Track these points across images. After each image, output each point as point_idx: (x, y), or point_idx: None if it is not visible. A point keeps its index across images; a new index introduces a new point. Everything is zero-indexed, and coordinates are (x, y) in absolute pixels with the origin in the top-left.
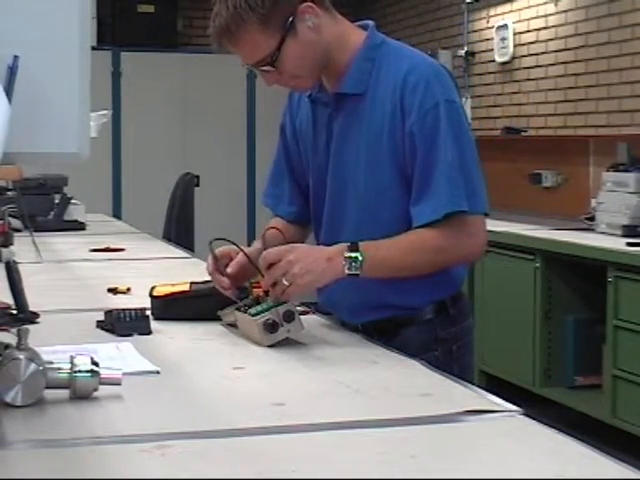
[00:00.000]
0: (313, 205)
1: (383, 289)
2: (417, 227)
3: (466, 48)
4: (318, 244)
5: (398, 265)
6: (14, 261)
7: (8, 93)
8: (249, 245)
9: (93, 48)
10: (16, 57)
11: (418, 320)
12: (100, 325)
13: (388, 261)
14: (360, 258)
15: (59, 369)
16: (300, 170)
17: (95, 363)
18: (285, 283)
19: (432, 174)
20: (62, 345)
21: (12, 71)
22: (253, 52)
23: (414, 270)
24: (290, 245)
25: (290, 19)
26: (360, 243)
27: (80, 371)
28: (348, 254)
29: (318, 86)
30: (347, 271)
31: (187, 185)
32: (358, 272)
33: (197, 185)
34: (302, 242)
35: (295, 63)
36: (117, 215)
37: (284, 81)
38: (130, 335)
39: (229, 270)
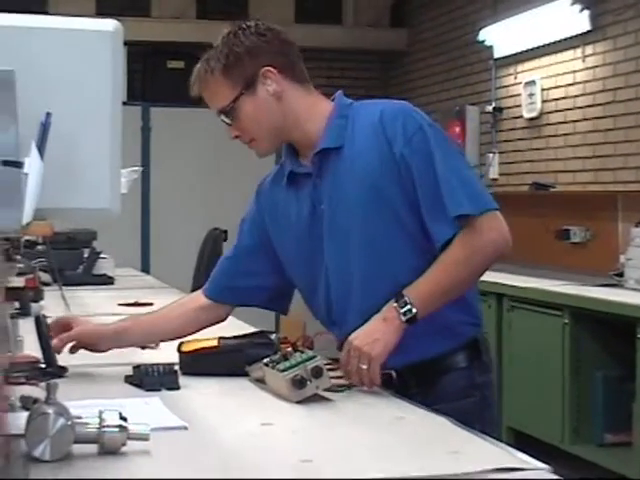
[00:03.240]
0: (295, 274)
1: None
2: (440, 244)
3: (494, 104)
4: (311, 308)
5: (444, 289)
6: (44, 315)
7: (40, 150)
8: None
9: (123, 103)
10: (48, 114)
11: (454, 367)
12: (128, 380)
13: (434, 290)
14: (408, 302)
15: (87, 424)
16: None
17: (123, 418)
18: (364, 367)
19: (437, 191)
20: (90, 400)
21: (45, 128)
22: (214, 99)
23: (460, 285)
24: (349, 339)
25: (251, 78)
26: (401, 292)
27: (108, 426)
28: (395, 305)
29: (295, 162)
30: (404, 318)
31: (215, 240)
32: (414, 314)
33: (225, 240)
34: (222, 320)
35: (250, 122)
36: (146, 270)
37: (243, 138)
38: (158, 390)
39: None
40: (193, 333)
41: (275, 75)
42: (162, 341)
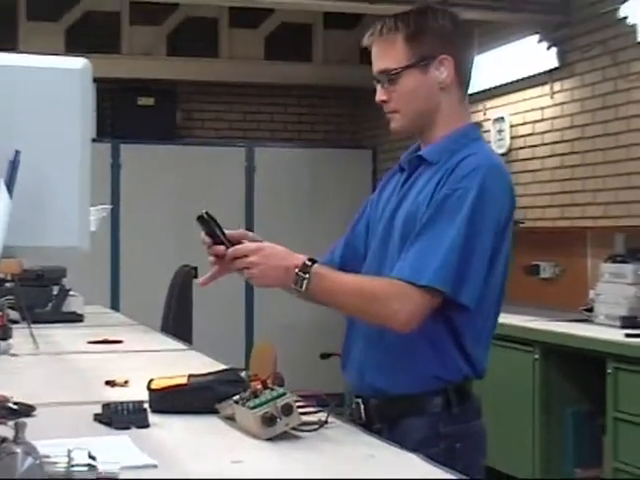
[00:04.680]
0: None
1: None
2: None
3: None
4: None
5: (339, 300)
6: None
7: (9, 187)
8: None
9: (93, 140)
10: (17, 152)
11: (422, 411)
12: (98, 418)
13: (335, 291)
14: (306, 281)
15: (56, 463)
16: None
17: (92, 457)
18: (246, 259)
19: (414, 240)
20: (59, 439)
21: (14, 166)
22: (384, 56)
23: (347, 310)
24: (258, 246)
25: (429, 57)
26: (316, 265)
27: (77, 465)
28: (300, 273)
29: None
30: (293, 285)
31: (185, 277)
32: (302, 290)
33: (195, 277)
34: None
35: (405, 95)
36: (115, 307)
37: (389, 105)
38: (128, 428)
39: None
40: None
41: (450, 66)
42: None
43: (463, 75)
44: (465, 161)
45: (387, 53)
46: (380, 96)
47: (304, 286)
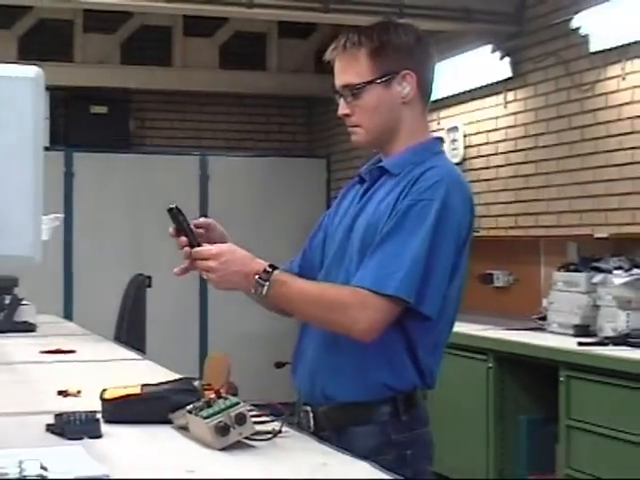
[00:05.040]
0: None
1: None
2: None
3: None
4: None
5: (298, 306)
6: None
7: None
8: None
9: (46, 149)
10: None
11: (370, 419)
12: (50, 429)
13: (295, 298)
14: (266, 287)
15: (7, 474)
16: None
17: (44, 468)
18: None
19: (375, 250)
20: (10, 449)
21: None
22: (348, 71)
23: (307, 317)
24: (219, 250)
25: (392, 72)
26: (276, 272)
27: (28, 476)
28: (260, 279)
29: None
30: (253, 291)
31: (139, 286)
32: (262, 294)
33: (149, 286)
34: None
35: (368, 110)
36: (68, 316)
37: (350, 120)
38: (80, 439)
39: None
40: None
41: (413, 81)
42: None
43: (425, 89)
44: (428, 173)
45: (350, 68)
46: (343, 110)
47: (264, 292)
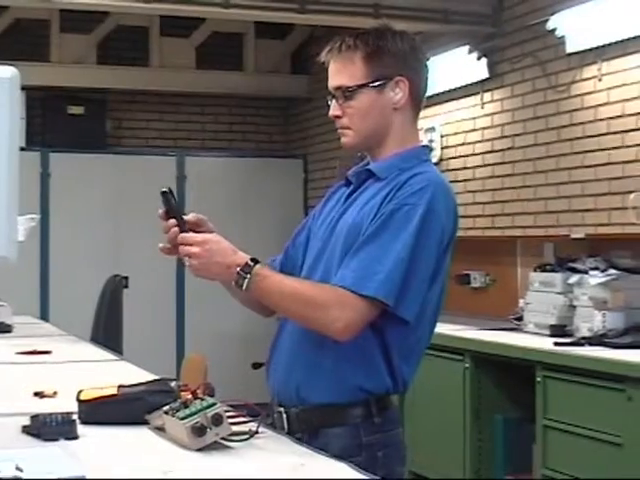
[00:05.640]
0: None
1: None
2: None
3: None
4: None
5: (278, 301)
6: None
7: None
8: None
9: (22, 149)
10: None
11: (343, 421)
12: (26, 430)
13: (267, 295)
14: (247, 281)
15: None
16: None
17: (19, 469)
18: (190, 249)
19: (356, 251)
20: None
21: None
22: (341, 73)
23: (285, 312)
24: (204, 238)
25: (385, 77)
26: (257, 266)
27: (4, 478)
28: (241, 272)
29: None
30: (233, 284)
31: (116, 287)
32: (243, 287)
33: (126, 287)
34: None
35: (359, 112)
36: (44, 317)
37: (341, 121)
38: (56, 440)
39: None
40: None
41: (405, 88)
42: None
43: (416, 97)
44: (414, 178)
45: (345, 70)
46: (334, 111)
47: (244, 285)
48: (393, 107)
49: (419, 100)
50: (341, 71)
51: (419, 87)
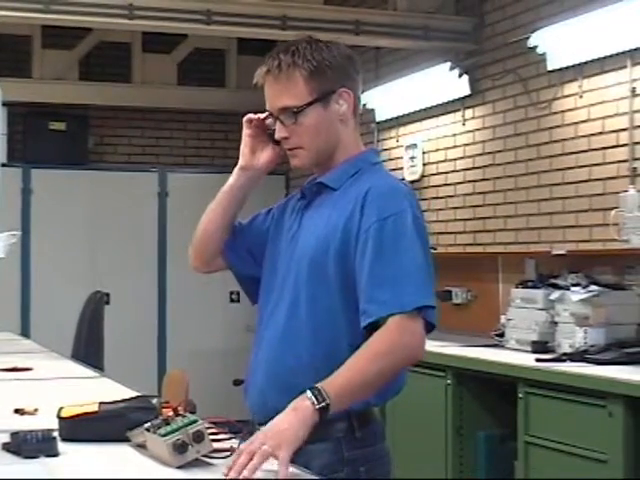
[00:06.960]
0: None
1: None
2: (364, 326)
3: None
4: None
5: (355, 382)
6: None
7: None
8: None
9: (3, 165)
10: None
11: (325, 437)
12: (6, 447)
13: (346, 383)
14: (320, 388)
15: None
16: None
17: None
18: (266, 448)
19: (368, 281)
20: None
21: None
22: (285, 94)
23: (371, 383)
24: (259, 434)
25: (329, 91)
26: (316, 386)
27: None
28: (309, 392)
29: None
30: (316, 405)
31: (97, 303)
32: (327, 401)
33: (107, 303)
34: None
35: (309, 131)
36: (25, 334)
37: (291, 142)
38: (37, 457)
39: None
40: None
41: (349, 99)
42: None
43: (357, 105)
44: (375, 190)
45: (287, 90)
46: (281, 134)
47: (325, 393)
48: (339, 119)
49: (358, 107)
50: (283, 92)
51: (358, 96)
